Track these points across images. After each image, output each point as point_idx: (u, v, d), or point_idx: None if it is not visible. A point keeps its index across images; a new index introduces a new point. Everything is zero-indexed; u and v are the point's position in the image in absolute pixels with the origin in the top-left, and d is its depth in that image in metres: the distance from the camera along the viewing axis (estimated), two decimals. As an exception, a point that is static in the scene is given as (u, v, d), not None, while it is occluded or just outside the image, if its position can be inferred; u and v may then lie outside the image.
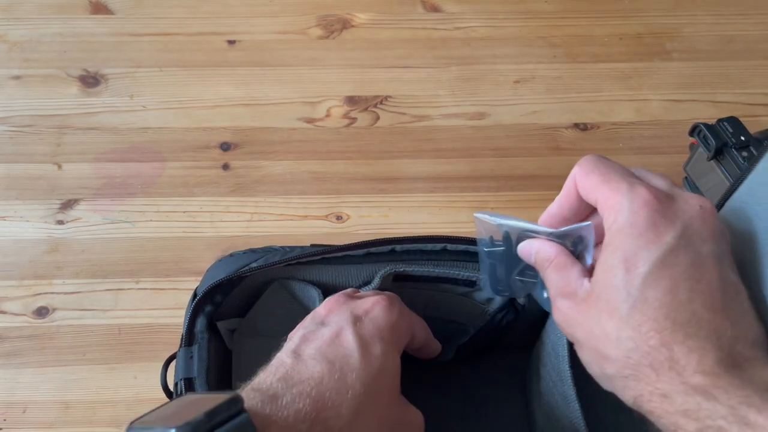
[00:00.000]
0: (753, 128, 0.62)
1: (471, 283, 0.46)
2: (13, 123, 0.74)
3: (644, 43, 0.81)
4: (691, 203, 0.31)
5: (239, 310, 0.47)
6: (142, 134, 0.74)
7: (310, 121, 0.75)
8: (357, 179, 0.71)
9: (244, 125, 0.74)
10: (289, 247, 0.47)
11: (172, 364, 0.43)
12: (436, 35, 0.82)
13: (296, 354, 0.34)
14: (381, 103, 0.76)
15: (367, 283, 0.46)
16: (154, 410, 0.29)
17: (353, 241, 0.45)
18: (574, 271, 0.34)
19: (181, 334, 0.43)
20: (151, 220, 0.68)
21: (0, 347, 0.61)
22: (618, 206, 0.31)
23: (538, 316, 0.46)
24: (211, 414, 0.26)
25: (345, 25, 0.83)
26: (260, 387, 0.31)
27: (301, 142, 0.73)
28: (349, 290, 0.42)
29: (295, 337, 0.37)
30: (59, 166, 0.71)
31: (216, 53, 0.80)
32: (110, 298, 0.64)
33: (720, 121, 0.62)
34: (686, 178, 0.68)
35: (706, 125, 0.62)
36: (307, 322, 0.38)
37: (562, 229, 0.35)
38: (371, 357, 0.35)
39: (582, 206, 0.35)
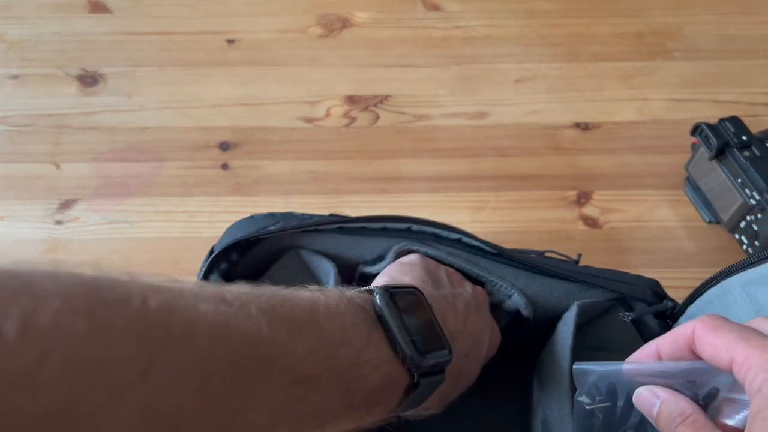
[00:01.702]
0: (755, 128, 0.62)
1: (480, 283, 0.46)
2: (11, 123, 0.74)
3: (646, 43, 0.81)
4: None
5: (254, 272, 0.47)
6: (140, 134, 0.73)
7: (309, 120, 0.75)
8: (357, 179, 0.70)
9: (243, 125, 0.74)
10: (308, 214, 0.48)
11: None
12: (437, 34, 0.82)
13: (465, 320, 0.39)
14: (381, 102, 0.76)
15: (381, 257, 0.46)
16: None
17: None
18: None
19: None
20: (149, 220, 0.68)
21: None
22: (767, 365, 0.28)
23: (547, 322, 0.46)
24: (433, 359, 0.33)
25: (345, 24, 0.83)
26: (447, 332, 0.36)
27: (300, 141, 0.73)
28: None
29: (459, 296, 0.41)
30: (58, 166, 0.71)
31: (215, 52, 0.80)
32: (109, 298, 0.63)
33: (722, 120, 0.62)
34: (688, 178, 0.67)
35: (707, 125, 0.62)
36: (467, 288, 0.43)
37: (696, 364, 0.30)
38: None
39: (682, 358, 0.32)
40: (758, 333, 0.29)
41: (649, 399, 0.31)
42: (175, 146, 0.72)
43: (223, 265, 0.46)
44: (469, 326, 0.39)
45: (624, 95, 0.77)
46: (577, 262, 0.49)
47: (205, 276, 0.45)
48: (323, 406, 0.29)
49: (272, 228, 0.45)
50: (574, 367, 0.34)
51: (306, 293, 0.31)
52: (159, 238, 0.67)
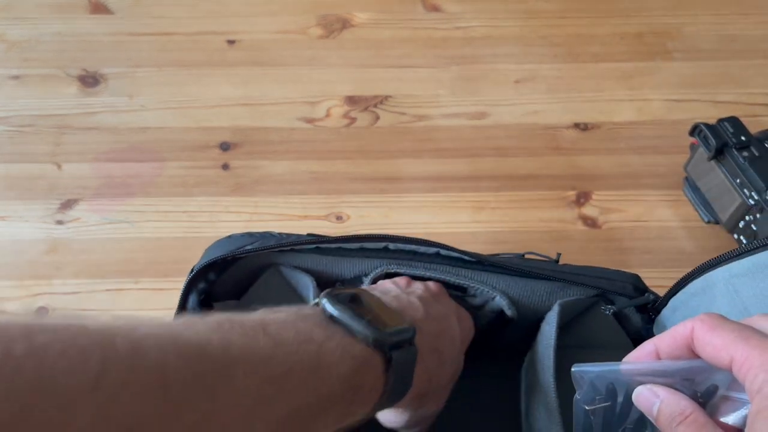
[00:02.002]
0: (754, 128, 0.62)
1: (462, 289, 0.46)
2: (12, 123, 0.74)
3: (645, 43, 0.81)
4: None
5: (235, 291, 0.47)
6: (141, 134, 0.74)
7: (310, 120, 0.75)
8: (357, 179, 0.70)
9: (243, 125, 0.74)
10: (286, 234, 0.48)
11: None
12: (437, 35, 0.82)
13: (425, 305, 0.40)
14: (381, 103, 0.76)
15: (359, 278, 0.46)
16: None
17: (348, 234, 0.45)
18: None
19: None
20: (150, 220, 0.68)
21: None
22: None
23: (534, 323, 0.46)
24: (401, 331, 0.34)
25: (345, 24, 0.83)
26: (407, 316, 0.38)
27: (300, 141, 0.73)
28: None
29: (412, 293, 0.42)
30: (58, 166, 0.71)
31: (215, 53, 0.80)
32: (109, 298, 0.63)
33: (721, 121, 0.62)
34: (687, 178, 0.67)
35: (706, 125, 0.62)
36: (417, 287, 0.44)
37: (694, 363, 0.30)
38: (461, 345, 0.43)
39: (681, 357, 0.32)
40: (758, 332, 0.29)
41: (649, 398, 0.31)
42: (176, 146, 0.73)
43: (202, 285, 0.46)
44: (432, 311, 0.40)
45: (623, 95, 0.77)
46: (556, 261, 0.49)
47: (184, 296, 0.45)
48: (301, 400, 0.29)
49: (249, 247, 0.45)
50: (572, 369, 0.34)
51: (254, 314, 0.31)
52: (159, 238, 0.67)
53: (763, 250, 0.37)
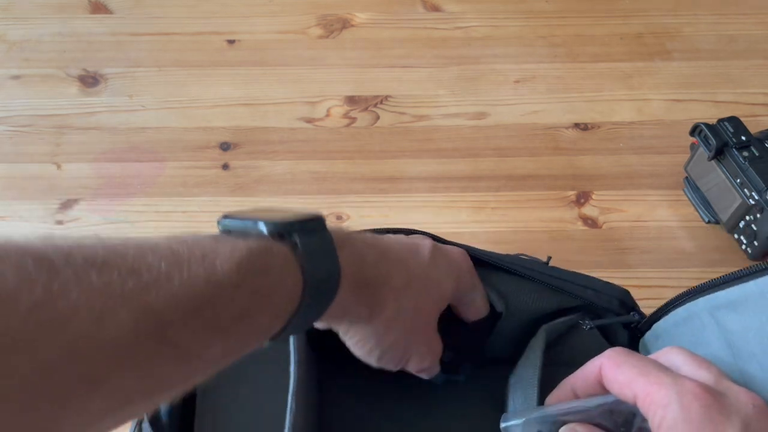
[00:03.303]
0: (754, 128, 0.62)
1: None
2: (12, 123, 0.74)
3: (645, 43, 0.81)
4: (743, 399, 0.30)
5: None
6: (141, 134, 0.74)
7: (310, 121, 0.75)
8: (357, 179, 0.70)
9: (243, 125, 0.74)
10: None
11: None
12: (437, 35, 0.82)
13: (373, 236, 0.38)
14: (381, 103, 0.76)
15: None
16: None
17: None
18: None
19: None
20: (150, 220, 0.68)
21: None
22: (665, 401, 0.29)
23: (519, 330, 0.46)
24: (301, 219, 0.31)
25: (345, 24, 0.83)
26: (335, 230, 0.34)
27: (301, 142, 0.73)
28: None
29: None
30: (58, 166, 0.71)
31: (215, 53, 0.80)
32: (109, 298, 0.63)
33: (721, 120, 0.62)
34: (687, 178, 0.67)
35: (706, 125, 0.62)
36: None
37: (607, 398, 0.32)
38: (435, 267, 0.39)
39: (597, 393, 0.33)
40: (660, 367, 0.31)
41: None
42: (176, 146, 0.73)
43: None
44: (387, 239, 0.38)
45: (623, 95, 0.77)
46: (546, 263, 0.49)
47: None
48: (186, 289, 0.25)
49: None
50: (501, 425, 0.35)
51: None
52: (160, 237, 0.67)
53: (743, 281, 0.36)
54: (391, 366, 0.39)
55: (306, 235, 0.30)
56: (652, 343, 0.44)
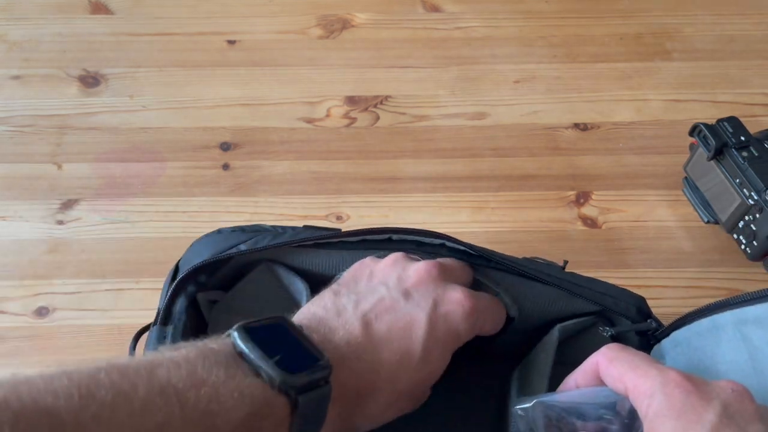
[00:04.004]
0: (753, 128, 0.62)
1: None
2: (12, 123, 0.74)
3: (644, 43, 0.81)
4: (723, 385, 0.31)
5: (223, 284, 0.46)
6: (142, 134, 0.74)
7: (310, 121, 0.75)
8: (357, 179, 0.71)
9: (244, 125, 0.74)
10: (281, 227, 0.46)
11: (143, 338, 0.42)
12: (436, 35, 0.82)
13: (366, 324, 0.36)
14: (381, 103, 0.76)
15: None
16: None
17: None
18: None
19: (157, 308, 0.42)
20: (151, 220, 0.68)
21: (0, 347, 0.61)
22: (650, 391, 0.31)
23: (530, 331, 0.45)
24: (312, 379, 0.32)
25: (345, 25, 0.83)
26: (332, 346, 0.34)
27: (301, 142, 0.73)
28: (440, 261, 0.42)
29: (369, 295, 0.38)
30: (59, 166, 0.71)
31: (216, 53, 0.80)
32: (110, 298, 0.63)
33: (720, 121, 0.62)
34: (686, 178, 0.68)
35: (706, 125, 0.62)
36: (390, 278, 0.40)
37: (608, 395, 0.34)
38: (428, 361, 0.37)
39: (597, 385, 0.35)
40: (649, 361, 0.33)
41: None
42: (176, 146, 0.73)
43: (191, 288, 0.44)
44: (377, 329, 0.36)
45: (623, 96, 0.77)
46: (563, 268, 0.48)
47: (171, 299, 0.43)
48: None
49: (243, 247, 0.43)
50: (513, 408, 0.36)
51: (149, 354, 0.30)
52: (160, 238, 0.67)
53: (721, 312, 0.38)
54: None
55: (309, 394, 0.31)
56: (668, 350, 0.44)
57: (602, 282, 0.47)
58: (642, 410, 0.31)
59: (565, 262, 0.48)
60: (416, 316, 0.37)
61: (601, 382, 0.35)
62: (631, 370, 0.32)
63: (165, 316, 0.43)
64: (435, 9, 0.84)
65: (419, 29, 0.83)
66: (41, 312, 0.63)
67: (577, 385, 0.36)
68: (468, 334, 0.40)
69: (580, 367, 0.36)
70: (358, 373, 0.35)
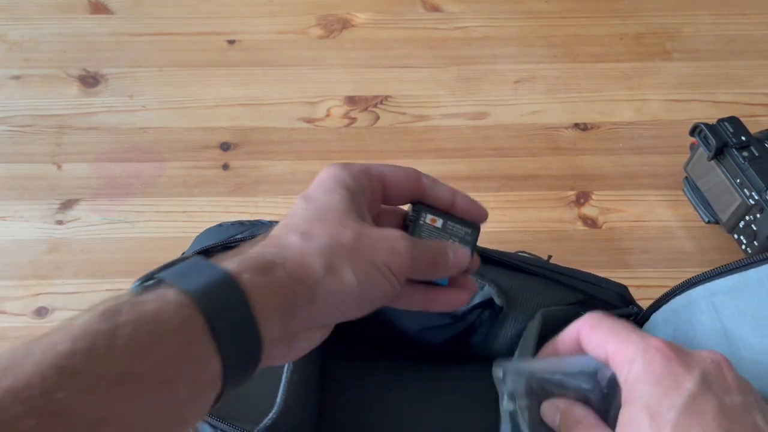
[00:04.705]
0: (753, 128, 0.62)
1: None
2: (12, 123, 0.74)
3: (644, 43, 0.81)
4: (704, 355, 0.31)
5: None
6: (141, 134, 0.74)
7: (310, 121, 0.75)
8: (357, 179, 0.70)
9: (243, 125, 0.74)
10: (278, 222, 0.47)
11: None
12: (436, 35, 0.82)
13: (287, 229, 0.33)
14: (381, 103, 0.76)
15: None
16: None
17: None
18: (604, 430, 0.33)
19: None
20: (150, 220, 0.68)
21: (0, 347, 0.61)
22: (632, 356, 0.31)
23: (521, 325, 0.46)
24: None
25: (345, 24, 0.83)
26: (253, 253, 0.30)
27: (301, 142, 0.73)
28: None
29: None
30: (59, 166, 0.71)
31: (216, 53, 0.80)
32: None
33: (720, 121, 0.62)
34: (686, 178, 0.68)
35: (706, 125, 0.62)
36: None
37: (589, 364, 0.34)
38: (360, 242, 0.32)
39: (577, 352, 0.35)
40: (631, 329, 0.32)
41: (551, 410, 0.34)
42: (176, 146, 0.73)
43: None
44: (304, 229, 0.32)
45: (623, 96, 0.77)
46: (547, 261, 0.50)
47: None
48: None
49: (240, 236, 0.45)
50: (493, 369, 0.35)
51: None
52: (160, 237, 0.67)
53: (743, 270, 0.38)
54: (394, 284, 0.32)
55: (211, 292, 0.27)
56: (650, 332, 0.44)
57: (584, 272, 0.48)
58: (622, 376, 0.31)
59: (549, 256, 0.49)
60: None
61: (580, 351, 0.34)
62: (612, 336, 0.32)
63: None
64: (435, 9, 0.84)
65: (419, 29, 0.83)
66: (41, 312, 0.63)
67: (556, 351, 0.36)
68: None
69: (560, 334, 0.35)
70: (290, 268, 0.30)
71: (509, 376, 0.35)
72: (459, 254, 0.36)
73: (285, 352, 0.31)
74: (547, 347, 0.36)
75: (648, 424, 0.29)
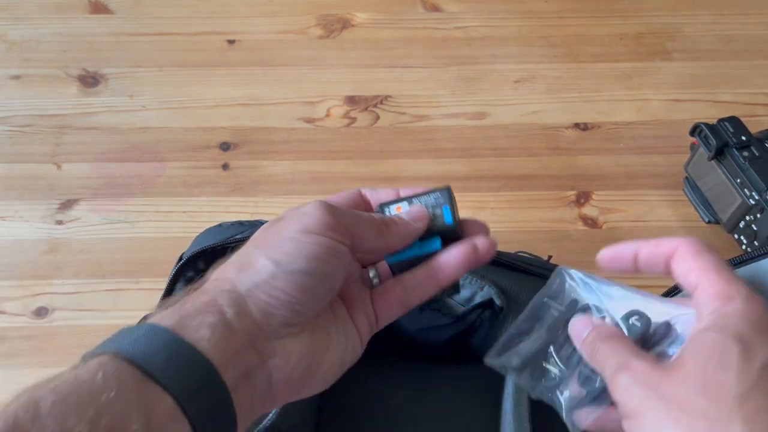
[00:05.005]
0: (754, 128, 0.62)
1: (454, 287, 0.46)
2: (12, 123, 0.74)
3: (645, 43, 0.81)
4: None
5: None
6: (141, 134, 0.74)
7: (310, 121, 0.75)
8: (357, 179, 0.70)
9: (243, 125, 0.74)
10: None
11: None
12: (436, 35, 0.82)
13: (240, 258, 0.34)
14: (381, 103, 0.76)
15: None
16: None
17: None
18: (634, 344, 0.31)
19: None
20: (150, 220, 0.68)
21: (0, 347, 0.61)
22: (732, 295, 0.29)
23: None
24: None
25: (345, 24, 0.83)
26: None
27: (301, 142, 0.73)
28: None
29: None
30: (59, 166, 0.71)
31: (216, 53, 0.80)
32: (110, 298, 0.63)
33: (721, 120, 0.62)
34: (687, 178, 0.67)
35: (706, 125, 0.62)
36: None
37: (672, 309, 0.31)
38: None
39: (656, 269, 0.32)
40: (730, 270, 0.30)
41: (582, 325, 0.33)
42: (176, 146, 0.73)
43: (190, 274, 0.46)
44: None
45: (623, 95, 0.77)
46: (548, 261, 0.49)
47: (172, 283, 0.45)
48: None
49: (239, 237, 0.45)
50: (558, 268, 0.34)
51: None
52: (159, 237, 0.67)
53: (759, 260, 0.37)
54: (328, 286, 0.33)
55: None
56: None
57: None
58: (708, 309, 0.29)
59: (550, 257, 0.49)
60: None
61: (662, 266, 0.32)
62: (714, 272, 0.30)
63: (165, 298, 0.45)
64: (435, 9, 0.84)
65: (419, 29, 0.83)
66: (40, 312, 0.63)
67: (636, 257, 0.32)
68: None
69: (649, 241, 0.32)
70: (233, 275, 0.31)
71: (563, 284, 0.34)
72: (412, 211, 0.35)
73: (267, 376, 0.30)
74: (627, 246, 0.33)
75: (739, 351, 0.27)
